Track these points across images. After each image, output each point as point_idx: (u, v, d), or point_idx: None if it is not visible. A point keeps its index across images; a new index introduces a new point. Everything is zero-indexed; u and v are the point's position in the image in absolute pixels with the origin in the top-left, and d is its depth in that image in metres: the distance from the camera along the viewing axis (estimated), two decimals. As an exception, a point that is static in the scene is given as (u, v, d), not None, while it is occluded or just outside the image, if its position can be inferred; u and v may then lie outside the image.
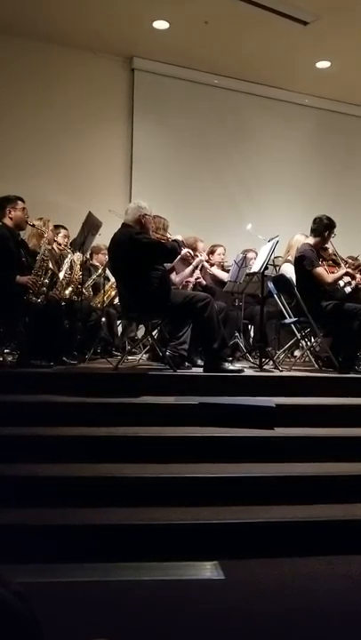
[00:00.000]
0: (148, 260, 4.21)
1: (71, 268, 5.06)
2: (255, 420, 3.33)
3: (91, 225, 4.93)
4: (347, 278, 5.21)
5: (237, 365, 4.35)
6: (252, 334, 6.43)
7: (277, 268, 5.84)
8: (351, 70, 8.06)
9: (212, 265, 6.07)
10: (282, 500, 2.83)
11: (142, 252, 4.16)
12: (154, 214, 4.67)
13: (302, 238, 5.34)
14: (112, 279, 5.75)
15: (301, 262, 4.80)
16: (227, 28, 7.15)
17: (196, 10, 6.78)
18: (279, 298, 5.33)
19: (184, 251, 4.99)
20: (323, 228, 4.87)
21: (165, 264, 4.66)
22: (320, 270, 4.72)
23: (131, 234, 4.20)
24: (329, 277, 4.75)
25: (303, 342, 5.53)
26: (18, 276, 4.25)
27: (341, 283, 5.33)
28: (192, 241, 5.79)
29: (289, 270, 5.27)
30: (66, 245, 5.44)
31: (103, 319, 5.72)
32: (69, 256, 5.12)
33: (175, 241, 4.50)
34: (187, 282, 5.28)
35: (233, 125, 8.60)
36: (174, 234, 5.31)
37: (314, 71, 8.16)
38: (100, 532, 2.55)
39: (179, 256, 4.86)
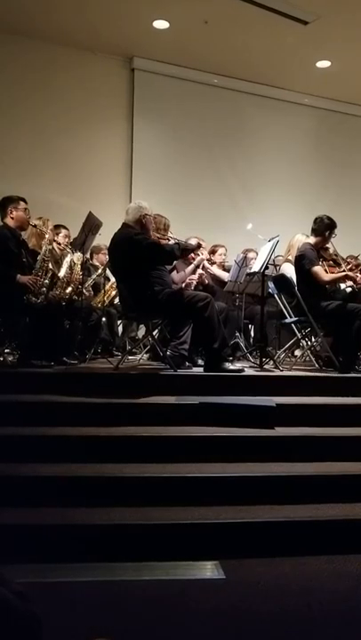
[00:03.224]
0: (148, 262, 4.21)
1: (71, 267, 5.06)
2: (256, 420, 3.34)
3: (91, 225, 4.93)
4: (349, 282, 5.21)
5: (238, 365, 4.35)
6: (252, 334, 6.43)
7: (278, 268, 5.84)
8: (351, 70, 8.06)
9: (212, 264, 6.07)
10: (282, 500, 2.83)
11: (142, 253, 4.16)
12: (155, 214, 4.68)
13: (303, 238, 5.35)
14: (112, 279, 5.75)
15: (301, 261, 4.80)
16: (227, 28, 7.15)
17: (196, 9, 6.78)
18: (280, 297, 5.33)
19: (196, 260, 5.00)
20: (323, 227, 4.87)
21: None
22: (317, 269, 4.73)
23: (131, 234, 4.20)
24: (326, 276, 4.75)
25: (304, 342, 5.53)
26: (19, 276, 4.26)
27: (343, 285, 5.32)
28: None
29: (289, 270, 5.27)
30: (66, 245, 5.44)
31: (104, 319, 5.72)
32: (69, 256, 5.12)
33: (177, 243, 4.49)
34: (190, 280, 5.28)
35: (233, 125, 8.60)
36: (175, 233, 5.32)
37: (314, 71, 8.15)
38: (101, 531, 2.55)
39: (195, 261, 4.88)
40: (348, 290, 5.46)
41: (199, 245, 5.01)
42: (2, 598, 1.14)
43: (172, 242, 4.99)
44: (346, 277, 4.95)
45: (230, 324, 5.55)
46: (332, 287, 4.95)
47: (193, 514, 2.67)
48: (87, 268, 5.59)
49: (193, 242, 4.77)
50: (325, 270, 4.92)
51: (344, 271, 4.92)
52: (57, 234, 5.42)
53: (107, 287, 6.02)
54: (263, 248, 5.10)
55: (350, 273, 4.96)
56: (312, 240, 4.94)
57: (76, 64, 7.67)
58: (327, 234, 4.89)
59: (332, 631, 2.03)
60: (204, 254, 5.66)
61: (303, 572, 2.42)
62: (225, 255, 6.29)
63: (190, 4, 6.69)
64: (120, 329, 6.51)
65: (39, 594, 1.77)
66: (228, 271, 5.93)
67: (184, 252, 4.59)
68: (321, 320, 4.74)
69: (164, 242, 4.86)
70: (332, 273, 5.11)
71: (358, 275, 5.40)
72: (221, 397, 3.57)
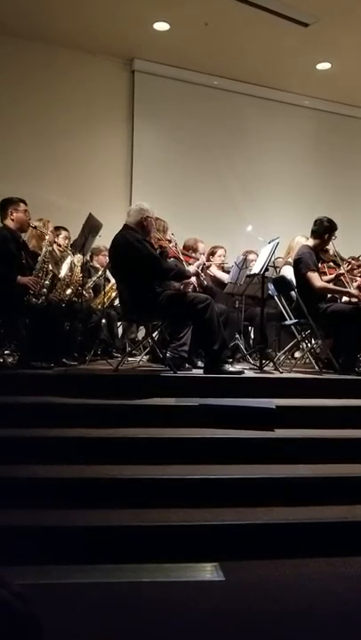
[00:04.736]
0: (145, 270, 4.21)
1: (71, 269, 5.06)
2: (255, 422, 3.33)
3: (91, 226, 4.93)
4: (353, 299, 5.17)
5: (238, 367, 4.35)
6: (252, 336, 6.43)
7: (278, 270, 5.84)
8: (351, 72, 8.07)
9: (208, 267, 6.05)
10: (282, 502, 2.83)
11: (140, 260, 4.16)
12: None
13: (303, 240, 5.34)
14: (112, 280, 5.75)
15: (297, 265, 4.80)
16: (227, 30, 7.16)
17: (196, 11, 6.79)
18: (279, 299, 5.33)
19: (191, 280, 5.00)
20: (323, 230, 4.87)
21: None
22: (311, 274, 4.71)
23: (132, 240, 4.19)
24: (319, 283, 4.73)
25: (304, 344, 5.53)
26: (19, 277, 4.26)
27: (345, 298, 5.29)
28: (192, 242, 5.79)
29: (289, 272, 5.27)
30: (66, 247, 5.44)
31: (103, 320, 5.71)
32: (69, 257, 5.13)
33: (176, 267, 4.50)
34: (188, 282, 5.27)
35: (233, 127, 8.61)
36: (175, 235, 5.33)
37: (314, 73, 8.16)
38: (101, 533, 2.55)
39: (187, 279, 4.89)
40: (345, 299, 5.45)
41: (196, 274, 5.01)
42: (2, 600, 1.14)
43: (172, 243, 4.99)
44: (348, 295, 4.93)
45: (230, 326, 5.56)
46: (321, 292, 4.90)
47: (193, 515, 2.67)
48: (87, 269, 5.60)
49: (191, 269, 4.80)
50: (325, 272, 4.92)
51: (348, 291, 4.91)
52: (57, 235, 5.43)
53: (107, 289, 6.02)
54: (263, 250, 5.10)
55: (354, 291, 4.93)
56: (311, 242, 4.93)
57: (76, 66, 7.68)
58: (326, 236, 4.88)
59: (332, 632, 2.03)
60: (201, 258, 5.66)
61: (303, 574, 2.42)
62: (224, 256, 6.29)
63: (191, 6, 6.70)
64: (120, 331, 6.51)
65: (39, 595, 1.77)
66: (227, 273, 5.93)
67: (177, 277, 4.60)
68: (321, 322, 4.74)
69: (164, 245, 4.86)
70: (331, 275, 5.12)
71: (359, 278, 5.40)
72: (221, 399, 3.57)
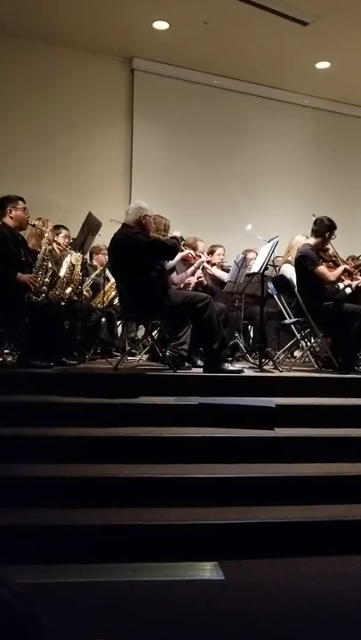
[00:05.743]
0: (150, 259, 4.21)
1: (70, 268, 5.05)
2: (255, 421, 3.33)
3: (90, 225, 4.93)
4: (348, 281, 5.24)
5: (237, 366, 4.35)
6: (251, 335, 6.43)
7: (277, 269, 5.84)
8: (351, 71, 8.07)
9: (212, 265, 6.07)
10: (282, 501, 2.83)
11: (144, 251, 4.16)
12: (155, 214, 4.68)
13: (303, 239, 5.35)
14: (112, 279, 5.75)
15: (303, 262, 4.80)
16: (226, 29, 7.15)
17: (195, 10, 6.79)
18: (279, 298, 5.34)
19: (185, 252, 4.98)
20: (324, 228, 4.88)
21: (166, 264, 4.67)
22: (322, 269, 4.72)
23: (131, 234, 4.21)
24: (331, 276, 4.77)
25: (303, 343, 5.53)
26: (19, 274, 4.25)
27: (341, 285, 5.33)
28: (192, 241, 5.79)
29: (289, 271, 5.28)
30: (67, 246, 5.44)
31: (103, 319, 5.71)
32: (69, 256, 5.12)
33: (174, 237, 4.50)
34: (188, 281, 5.28)
35: (233, 126, 8.60)
36: (173, 231, 5.31)
37: (314, 72, 8.16)
38: (100, 532, 2.55)
39: (180, 254, 4.87)
40: (348, 291, 5.47)
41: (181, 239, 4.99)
42: (2, 600, 1.14)
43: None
44: (345, 271, 4.96)
45: (230, 325, 5.56)
46: (333, 286, 4.98)
47: (192, 514, 2.67)
48: (85, 268, 5.59)
49: (177, 234, 4.76)
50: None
51: (343, 266, 4.94)
52: (57, 234, 5.42)
53: (106, 288, 6.02)
54: (263, 249, 5.10)
55: (349, 266, 4.97)
56: (312, 241, 4.94)
57: (75, 65, 7.67)
58: (327, 235, 4.89)
59: (332, 631, 2.03)
60: (203, 256, 5.66)
61: (303, 573, 2.42)
62: (223, 255, 6.29)
63: (190, 5, 6.69)
64: (120, 330, 6.51)
65: (39, 595, 1.77)
66: (227, 272, 5.93)
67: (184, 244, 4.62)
68: (320, 321, 4.74)
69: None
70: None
71: (359, 277, 5.41)
72: (221, 398, 3.57)
